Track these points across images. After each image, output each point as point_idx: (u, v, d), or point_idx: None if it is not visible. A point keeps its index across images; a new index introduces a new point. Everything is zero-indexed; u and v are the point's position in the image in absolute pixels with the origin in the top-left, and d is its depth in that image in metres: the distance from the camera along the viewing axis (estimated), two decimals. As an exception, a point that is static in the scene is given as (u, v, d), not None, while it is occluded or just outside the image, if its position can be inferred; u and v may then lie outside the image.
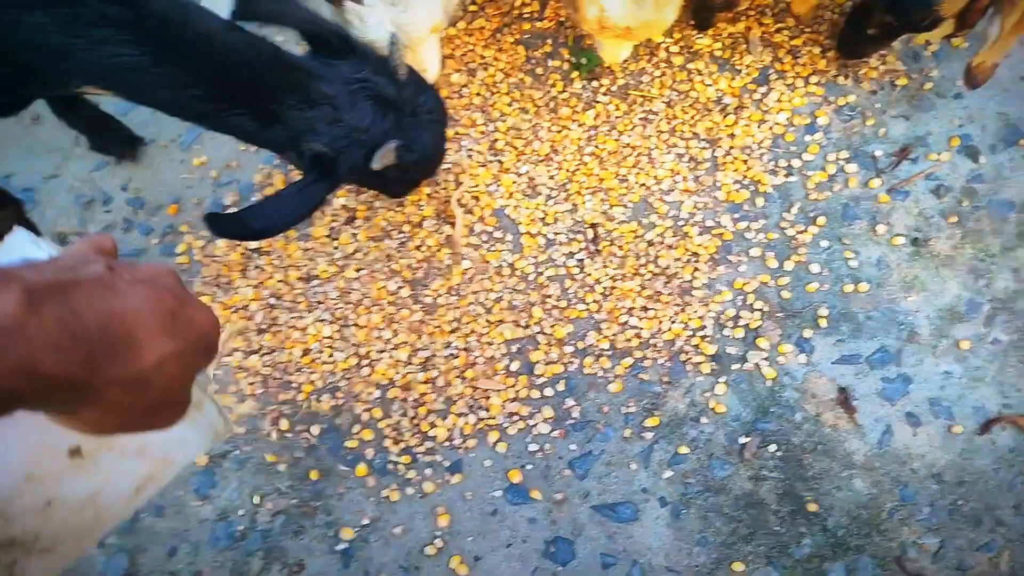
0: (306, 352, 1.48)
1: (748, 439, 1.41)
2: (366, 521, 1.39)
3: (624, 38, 1.38)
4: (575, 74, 1.64)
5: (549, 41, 1.71)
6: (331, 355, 1.47)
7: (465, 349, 1.48)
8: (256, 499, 1.39)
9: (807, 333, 1.47)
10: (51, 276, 0.37)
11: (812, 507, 1.36)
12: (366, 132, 1.05)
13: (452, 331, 1.49)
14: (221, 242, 1.55)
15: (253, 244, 1.55)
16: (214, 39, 0.90)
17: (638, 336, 1.47)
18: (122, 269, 0.42)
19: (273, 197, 1.05)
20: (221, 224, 1.04)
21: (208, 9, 0.95)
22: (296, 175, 1.57)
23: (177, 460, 0.56)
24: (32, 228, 1.30)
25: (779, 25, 1.67)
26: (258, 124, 0.99)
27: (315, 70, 1.01)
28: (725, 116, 1.60)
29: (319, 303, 1.51)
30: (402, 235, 1.56)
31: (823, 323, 1.47)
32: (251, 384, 1.45)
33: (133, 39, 0.82)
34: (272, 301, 1.51)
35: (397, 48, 1.06)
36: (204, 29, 0.89)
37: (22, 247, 0.53)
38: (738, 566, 1.34)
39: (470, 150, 1.61)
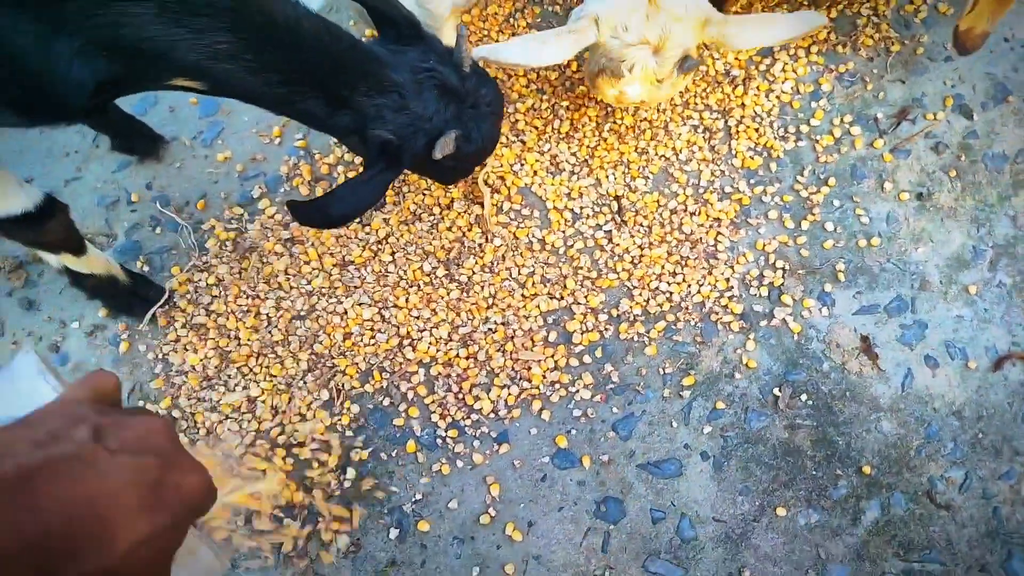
0: (347, 336, 1.51)
1: (780, 391, 1.48)
2: (419, 496, 1.42)
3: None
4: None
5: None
6: (372, 337, 1.50)
7: (503, 323, 1.52)
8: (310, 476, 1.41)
9: (827, 287, 1.55)
10: (17, 461, 0.35)
11: (844, 454, 1.44)
12: (430, 121, 1.08)
13: (489, 307, 1.53)
14: (253, 231, 1.57)
15: (286, 234, 1.57)
16: (300, 26, 0.92)
17: (669, 300, 1.53)
18: (109, 432, 0.39)
19: (347, 185, 1.07)
20: (303, 211, 1.06)
21: None
22: (345, 163, 1.59)
23: None
24: (77, 236, 1.30)
25: (778, 0, 1.75)
26: (329, 110, 1.01)
27: (386, 58, 1.04)
28: (735, 88, 1.67)
29: (356, 287, 1.53)
30: (433, 217, 1.59)
31: (841, 277, 1.55)
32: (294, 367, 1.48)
33: (230, 27, 0.84)
34: (309, 288, 1.53)
35: (463, 39, 1.09)
36: (291, 16, 0.91)
37: (28, 379, 0.51)
38: (781, 511, 1.41)
39: (491, 132, 1.65)
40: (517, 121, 1.66)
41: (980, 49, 1.46)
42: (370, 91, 1.02)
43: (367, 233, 1.58)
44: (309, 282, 1.54)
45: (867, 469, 1.43)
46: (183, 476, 0.42)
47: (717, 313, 1.52)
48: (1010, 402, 1.48)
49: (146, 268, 1.57)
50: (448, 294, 1.53)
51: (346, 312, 1.51)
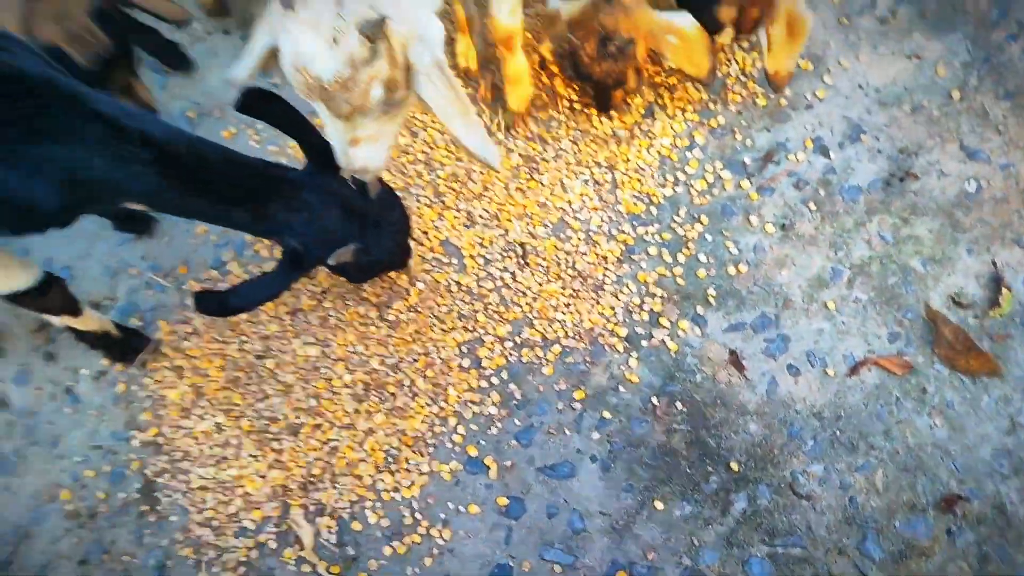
0: (297, 370, 1.82)
1: (658, 400, 1.71)
2: (354, 499, 1.70)
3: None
4: (495, 124, 2.02)
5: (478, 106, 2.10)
6: (317, 371, 1.81)
7: (424, 353, 1.81)
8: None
9: (700, 310, 1.79)
10: None
11: (715, 454, 1.66)
12: (333, 235, 1.41)
13: (413, 340, 1.83)
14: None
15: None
16: (213, 165, 1.27)
17: (563, 327, 1.80)
18: None
19: (252, 280, 1.40)
20: (203, 300, 1.38)
21: (209, 141, 1.32)
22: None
23: None
24: (73, 302, 1.66)
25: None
26: (253, 221, 1.35)
27: (300, 181, 1.38)
28: (620, 145, 1.97)
29: (303, 330, 1.85)
30: (367, 269, 1.91)
31: (712, 301, 1.79)
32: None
33: (158, 171, 1.21)
34: (266, 332, 1.86)
35: (372, 173, 1.38)
36: (207, 158, 1.26)
37: None
38: (659, 504, 1.63)
39: (418, 196, 1.98)
40: (439, 185, 1.98)
41: (789, 82, 1.74)
42: (284, 208, 1.35)
43: (315, 285, 1.90)
44: (266, 327, 1.87)
45: (735, 466, 1.65)
46: None
47: (604, 336, 1.78)
48: (865, 403, 1.68)
49: (140, 323, 1.93)
50: (379, 331, 1.83)
51: (295, 351, 1.83)
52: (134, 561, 1.71)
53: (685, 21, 1.67)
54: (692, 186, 1.92)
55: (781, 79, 1.71)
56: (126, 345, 1.86)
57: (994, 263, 1.78)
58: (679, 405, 1.71)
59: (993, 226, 1.82)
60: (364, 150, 1.27)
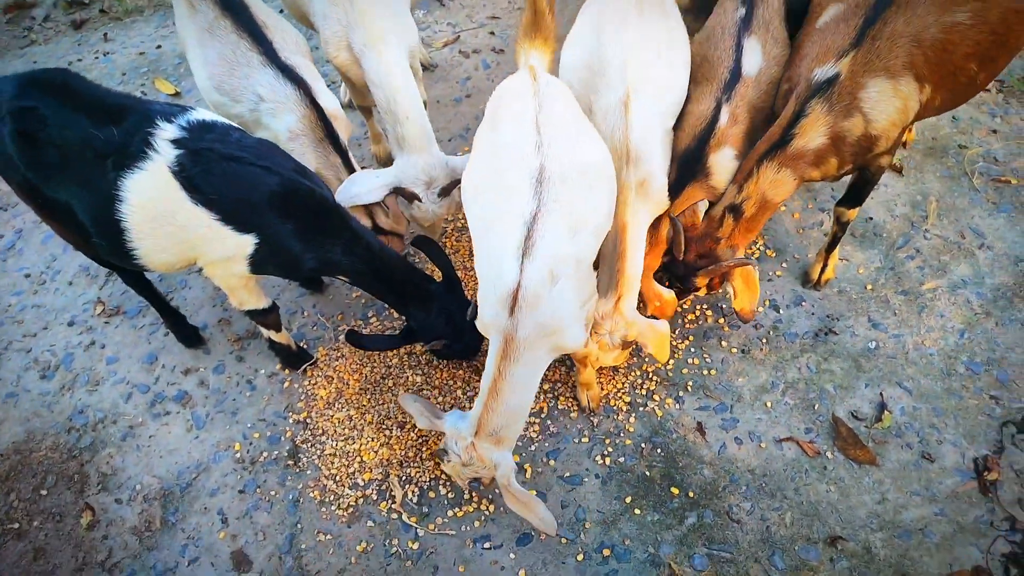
0: (407, 387, 2.71)
1: (645, 445, 2.55)
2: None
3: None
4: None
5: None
6: (421, 392, 2.70)
7: (493, 393, 2.69)
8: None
9: (681, 394, 2.67)
10: None
11: (679, 484, 2.46)
12: (436, 331, 2.42)
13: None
14: (367, 332, 2.87)
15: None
16: (395, 271, 2.32)
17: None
18: None
19: (380, 336, 2.44)
20: (351, 337, 2.40)
21: (394, 253, 2.38)
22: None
23: None
24: (279, 323, 2.65)
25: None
26: (396, 302, 2.40)
27: (434, 293, 2.41)
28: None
29: (414, 365, 2.77)
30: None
31: (690, 389, 2.67)
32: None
33: (368, 269, 2.28)
34: (389, 362, 2.78)
35: (474, 307, 2.42)
36: (393, 266, 2.32)
37: None
38: (637, 510, 2.41)
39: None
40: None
41: (753, 317, 2.61)
42: (418, 305, 2.38)
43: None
44: (389, 359, 2.79)
45: (691, 494, 2.44)
46: None
47: (615, 400, 2.65)
48: (784, 468, 2.49)
49: (305, 344, 2.87)
50: (464, 373, 2.73)
51: (407, 377, 2.73)
52: (276, 495, 2.51)
53: (662, 327, 2.29)
54: (685, 316, 2.87)
55: (747, 314, 2.56)
56: (296, 357, 2.80)
57: (881, 395, 2.64)
58: (659, 451, 2.53)
59: (884, 372, 2.70)
60: None
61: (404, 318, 2.50)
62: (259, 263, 2.22)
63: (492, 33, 4.20)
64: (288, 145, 2.53)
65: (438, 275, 2.47)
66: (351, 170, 2.59)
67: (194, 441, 2.66)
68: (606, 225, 2.18)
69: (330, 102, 2.56)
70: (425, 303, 2.42)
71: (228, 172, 2.08)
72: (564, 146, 2.06)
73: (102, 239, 2.17)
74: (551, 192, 1.98)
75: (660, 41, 2.46)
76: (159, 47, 4.36)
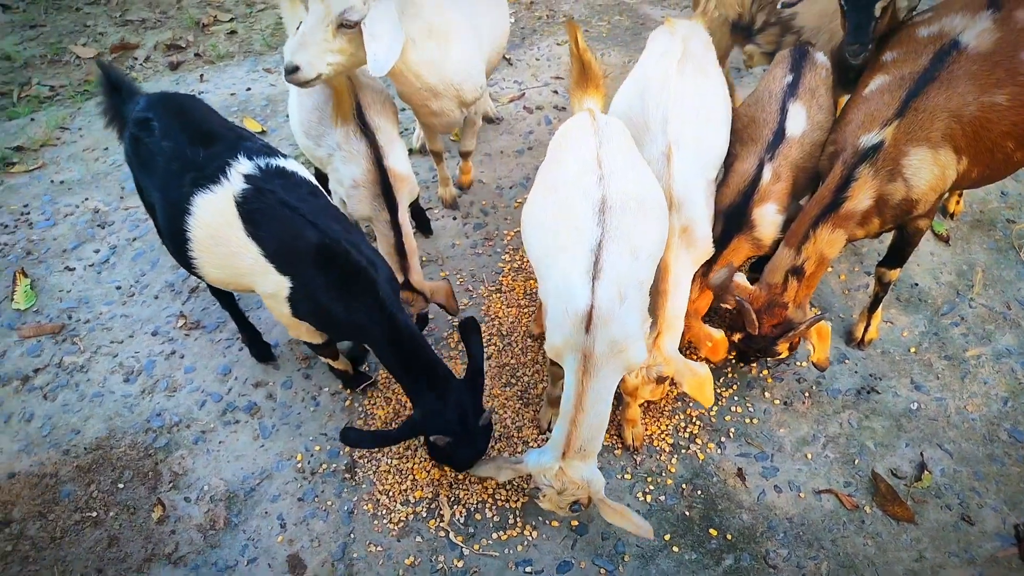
0: (459, 417, 2.86)
1: (686, 486, 2.63)
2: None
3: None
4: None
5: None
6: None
7: (541, 432, 2.82)
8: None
9: (723, 440, 2.76)
10: None
11: (718, 526, 2.53)
12: (444, 424, 2.43)
13: (535, 423, 2.85)
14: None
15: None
16: (419, 351, 2.41)
17: (642, 439, 2.79)
18: None
19: (377, 432, 2.57)
20: (345, 433, 2.42)
21: (421, 337, 2.51)
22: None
23: None
24: (336, 353, 2.86)
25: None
26: (410, 384, 2.43)
27: (452, 384, 2.41)
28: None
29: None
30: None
31: (732, 435, 2.76)
32: (430, 427, 2.83)
33: (389, 341, 2.38)
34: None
35: (490, 414, 2.52)
36: (418, 346, 2.42)
37: None
38: (675, 548, 2.49)
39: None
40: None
41: (828, 365, 2.74)
42: (433, 391, 2.43)
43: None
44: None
45: (730, 537, 2.51)
46: None
47: (658, 442, 2.76)
48: (822, 520, 2.55)
49: (365, 368, 3.06)
50: (513, 404, 2.88)
51: (461, 404, 2.89)
52: (333, 506, 2.67)
53: (701, 369, 2.40)
54: (731, 362, 2.98)
55: (822, 363, 2.69)
56: (356, 380, 2.99)
57: (922, 455, 2.69)
58: (699, 492, 2.62)
59: (925, 433, 2.76)
60: None
61: (410, 399, 2.51)
62: (297, 307, 2.39)
63: (555, 92, 4.47)
64: (350, 191, 2.81)
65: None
66: (396, 227, 2.82)
67: (259, 449, 2.84)
68: (659, 251, 2.35)
69: (397, 164, 2.83)
70: (440, 392, 2.39)
71: (281, 216, 2.28)
72: (623, 178, 2.25)
73: (171, 243, 2.47)
74: (613, 220, 2.16)
75: (699, 99, 2.66)
76: (248, 89, 4.75)
